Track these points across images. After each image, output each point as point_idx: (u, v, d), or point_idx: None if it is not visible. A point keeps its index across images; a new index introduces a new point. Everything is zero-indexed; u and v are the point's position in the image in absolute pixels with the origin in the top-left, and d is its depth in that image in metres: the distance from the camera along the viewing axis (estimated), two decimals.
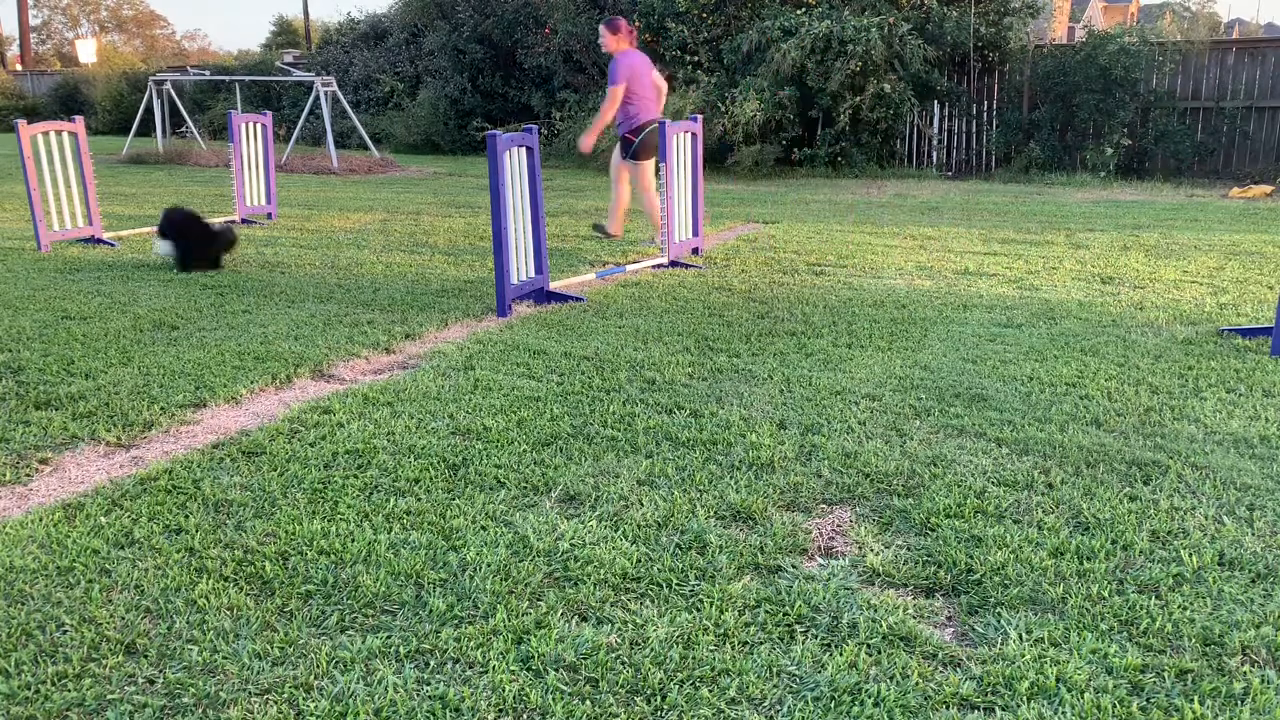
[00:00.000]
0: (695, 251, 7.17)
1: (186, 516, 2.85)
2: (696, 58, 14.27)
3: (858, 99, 12.93)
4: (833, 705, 2.01)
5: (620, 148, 7.56)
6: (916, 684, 2.07)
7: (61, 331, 4.94)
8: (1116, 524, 2.76)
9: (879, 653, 2.19)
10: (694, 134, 6.96)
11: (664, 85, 7.66)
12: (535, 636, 2.23)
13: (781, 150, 13.50)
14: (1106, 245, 7.59)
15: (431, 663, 2.16)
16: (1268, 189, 11.21)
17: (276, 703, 2.02)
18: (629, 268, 6.61)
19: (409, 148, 18.61)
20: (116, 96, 24.17)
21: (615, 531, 2.75)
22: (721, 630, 2.27)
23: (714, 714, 1.99)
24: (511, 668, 2.13)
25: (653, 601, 2.39)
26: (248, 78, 19.85)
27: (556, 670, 2.12)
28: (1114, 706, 1.99)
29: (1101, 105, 12.73)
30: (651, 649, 2.19)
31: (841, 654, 2.17)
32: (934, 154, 14.15)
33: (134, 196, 11.20)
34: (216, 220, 7.18)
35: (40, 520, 2.82)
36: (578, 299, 5.70)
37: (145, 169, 15.24)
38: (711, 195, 10.70)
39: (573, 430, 3.53)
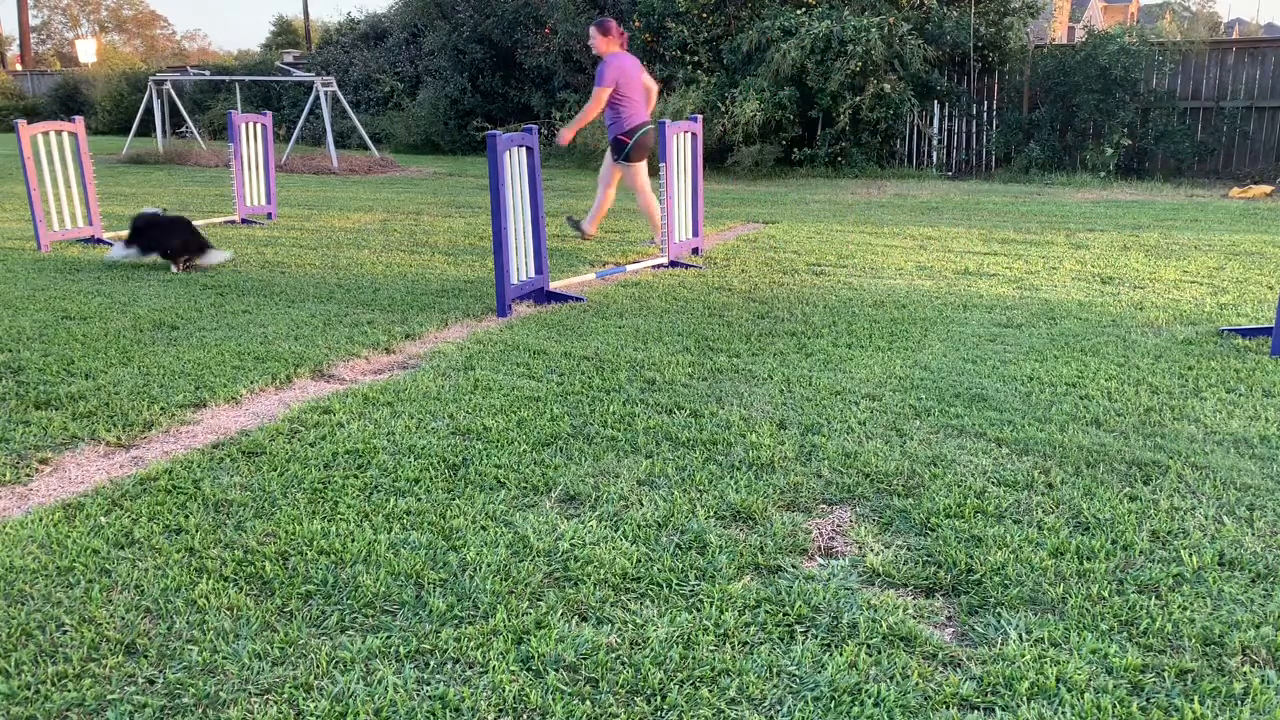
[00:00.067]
0: (695, 251, 7.17)
1: (186, 516, 2.85)
2: (696, 58, 14.26)
3: (858, 99, 12.93)
4: (833, 705, 2.01)
5: (612, 150, 7.55)
6: (916, 684, 2.07)
7: (61, 331, 4.94)
8: (1116, 524, 2.76)
9: (879, 653, 2.19)
10: (694, 134, 6.96)
11: (654, 87, 7.66)
12: (535, 636, 2.23)
13: (781, 150, 13.50)
14: (1106, 245, 7.59)
15: (431, 663, 2.16)
16: (1268, 189, 11.21)
17: (276, 703, 2.02)
18: (629, 268, 6.61)
19: (409, 148, 18.61)
20: (116, 96, 24.17)
21: (615, 531, 2.75)
22: (721, 630, 2.27)
23: (714, 714, 1.99)
24: (511, 668, 2.13)
25: (653, 601, 2.39)
26: (248, 78, 19.86)
27: (556, 670, 2.12)
28: (1114, 706, 1.99)
29: (1101, 105, 12.73)
30: (651, 649, 2.19)
31: (841, 654, 2.17)
32: (934, 154, 14.15)
33: (134, 196, 11.19)
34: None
35: (40, 520, 2.82)
36: (578, 299, 5.70)
37: (145, 169, 15.24)
38: (711, 195, 10.70)
39: (573, 430, 3.53)
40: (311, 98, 15.88)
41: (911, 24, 13.29)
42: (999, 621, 2.30)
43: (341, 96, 16.71)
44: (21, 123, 7.40)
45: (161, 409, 3.78)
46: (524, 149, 5.52)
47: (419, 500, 2.95)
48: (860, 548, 2.67)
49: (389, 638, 2.24)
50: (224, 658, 2.17)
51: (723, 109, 13.40)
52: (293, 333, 4.94)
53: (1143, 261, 6.87)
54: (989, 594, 2.41)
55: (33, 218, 7.42)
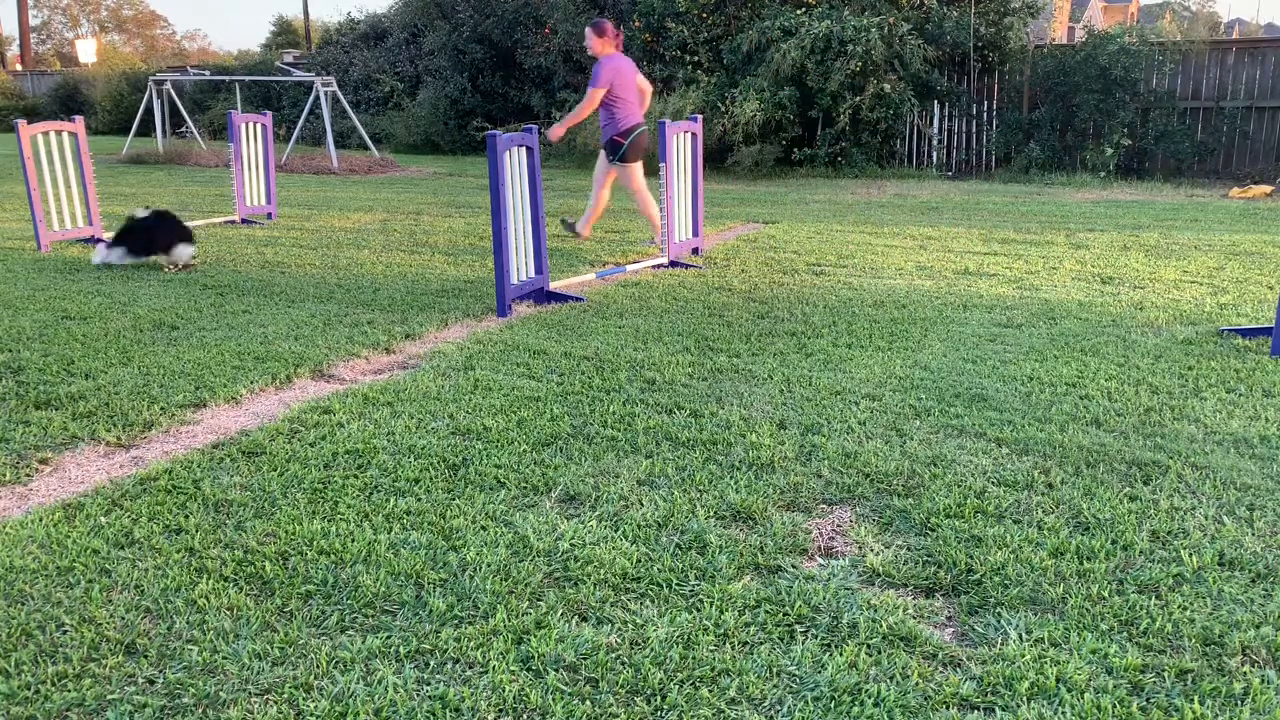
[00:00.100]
0: (695, 251, 7.17)
1: (186, 516, 2.85)
2: (696, 58, 14.27)
3: (858, 99, 12.93)
4: (833, 705, 2.01)
5: (607, 151, 7.55)
6: (916, 684, 2.07)
7: (61, 331, 4.94)
8: (1116, 524, 2.76)
9: (879, 653, 2.19)
10: (694, 134, 6.96)
11: (648, 89, 7.67)
12: (535, 636, 2.23)
13: (781, 150, 13.50)
14: (1106, 245, 7.59)
15: (431, 663, 2.16)
16: (1268, 189, 11.21)
17: (276, 703, 2.02)
18: (629, 268, 6.61)
19: (409, 148, 18.61)
20: (116, 96, 24.17)
21: (615, 531, 2.75)
22: (721, 630, 2.27)
23: (714, 714, 1.99)
24: (511, 668, 2.13)
25: (653, 601, 2.39)
26: (248, 78, 19.86)
27: (556, 670, 2.12)
28: (1114, 706, 1.99)
29: (1101, 105, 12.73)
30: (651, 649, 2.19)
31: (841, 654, 2.17)
32: (934, 154, 14.15)
33: (134, 196, 11.19)
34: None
35: (40, 520, 2.82)
36: (578, 299, 5.70)
37: (145, 169, 15.24)
38: (711, 195, 10.70)
39: (573, 430, 3.53)
40: (311, 98, 15.88)
41: (911, 24, 13.29)
42: (999, 621, 2.30)
43: (341, 96, 16.72)
44: (21, 123, 7.40)
45: (161, 409, 3.78)
46: (524, 149, 5.52)
47: (419, 500, 2.95)
48: (860, 548, 2.67)
49: (389, 638, 2.24)
50: (224, 658, 2.17)
51: (723, 109, 13.40)
52: (293, 333, 4.94)
53: (1143, 261, 6.87)
54: (989, 594, 2.41)
55: (33, 218, 7.43)
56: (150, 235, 6.74)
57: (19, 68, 37.93)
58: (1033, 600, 2.38)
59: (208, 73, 21.75)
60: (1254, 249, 7.38)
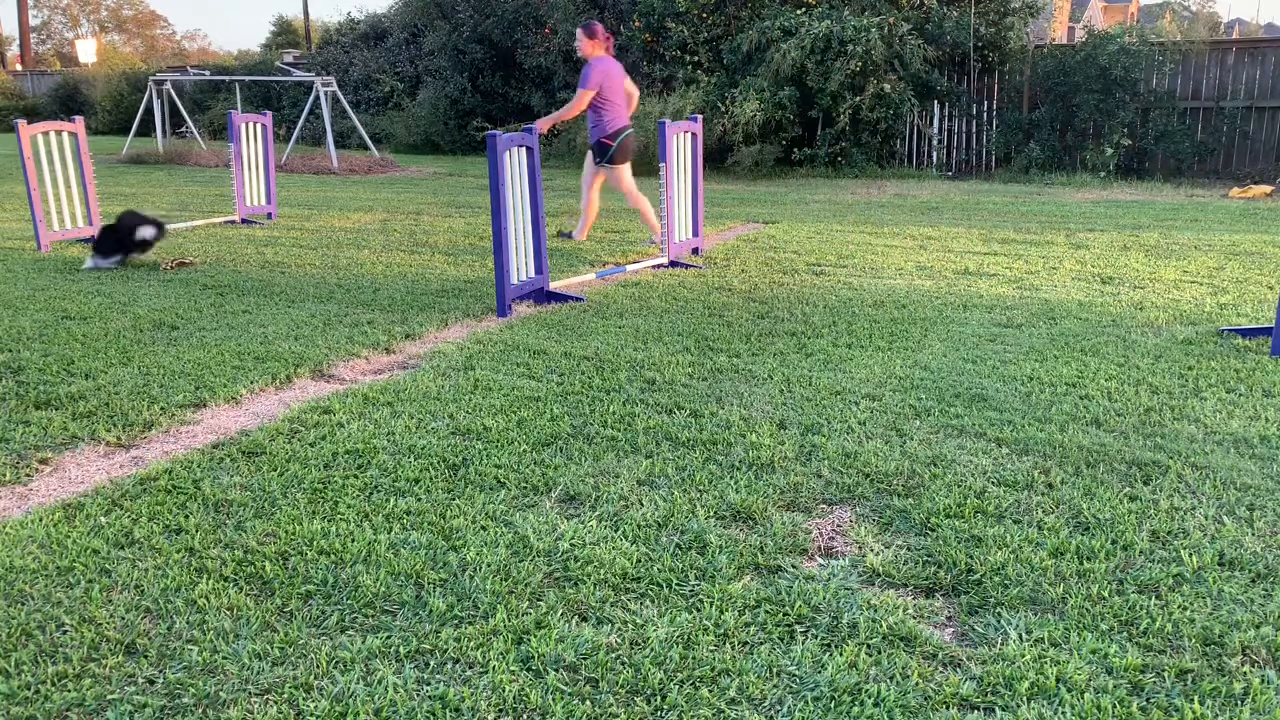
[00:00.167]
0: (695, 251, 7.17)
1: (186, 516, 2.85)
2: (696, 58, 14.27)
3: (858, 99, 12.93)
4: (833, 705, 2.01)
5: (594, 153, 7.57)
6: (916, 684, 2.07)
7: (61, 331, 4.94)
8: (1116, 524, 2.76)
9: (879, 653, 2.19)
10: (694, 134, 6.96)
11: (635, 93, 7.71)
12: (535, 636, 2.23)
13: (781, 150, 13.50)
14: (1106, 245, 7.59)
15: (431, 663, 2.16)
16: (1268, 189, 11.21)
17: (276, 703, 2.02)
18: (629, 268, 6.61)
19: (409, 148, 18.61)
20: (116, 96, 24.17)
21: (615, 531, 2.75)
22: (721, 630, 2.27)
23: (714, 714, 1.99)
24: (511, 668, 2.13)
25: (653, 601, 2.39)
26: (248, 78, 19.86)
27: (556, 670, 2.12)
28: (1114, 706, 1.99)
29: (1101, 105, 12.73)
30: (651, 649, 2.19)
31: (841, 654, 2.17)
32: (934, 154, 14.15)
33: (134, 196, 11.19)
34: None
35: (40, 520, 2.82)
36: (578, 299, 5.70)
37: (145, 169, 15.24)
38: (711, 195, 10.70)
39: (573, 430, 3.53)
40: (311, 98, 15.88)
41: (911, 24, 13.29)
42: (999, 621, 2.30)
43: (341, 96, 16.72)
44: (21, 123, 7.40)
45: (161, 409, 3.78)
46: (524, 149, 5.52)
47: (419, 500, 2.95)
48: (860, 548, 2.67)
49: (389, 638, 2.24)
50: (224, 658, 2.17)
51: (723, 109, 13.40)
52: (293, 333, 4.94)
53: (1143, 261, 6.87)
54: (989, 594, 2.41)
55: (33, 218, 7.43)
56: (114, 233, 6.80)
57: (19, 68, 37.93)
58: (1033, 600, 2.38)
59: (208, 73, 21.75)
60: (1254, 249, 7.38)
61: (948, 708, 2.00)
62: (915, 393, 3.94)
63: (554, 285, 5.90)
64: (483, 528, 2.77)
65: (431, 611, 2.34)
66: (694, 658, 2.16)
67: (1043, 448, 3.33)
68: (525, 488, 3.05)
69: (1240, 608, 2.35)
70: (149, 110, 17.06)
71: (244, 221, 9.08)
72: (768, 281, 6.24)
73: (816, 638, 2.25)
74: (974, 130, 14.14)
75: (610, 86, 7.36)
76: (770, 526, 2.77)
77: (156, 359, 4.46)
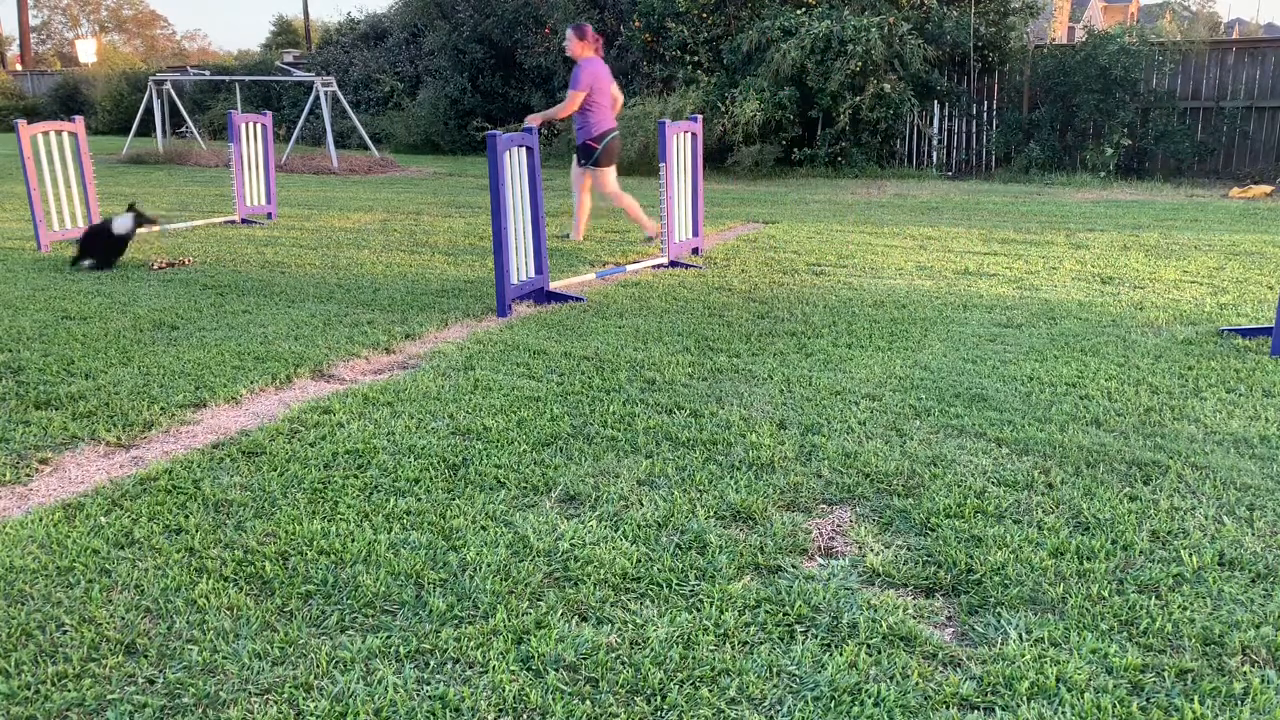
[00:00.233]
0: (695, 251, 7.17)
1: (186, 516, 2.85)
2: (696, 58, 14.27)
3: (858, 99, 12.93)
4: (833, 705, 2.01)
5: (579, 155, 7.59)
6: (916, 684, 2.07)
7: (61, 331, 4.94)
8: (1116, 524, 2.76)
9: (879, 653, 2.19)
10: (694, 134, 6.97)
11: (620, 97, 7.75)
12: (535, 636, 2.23)
13: (781, 150, 13.50)
14: (1106, 245, 7.59)
15: (431, 663, 2.16)
16: (1268, 189, 11.21)
17: (276, 703, 2.02)
18: (629, 268, 6.61)
19: (409, 148, 18.61)
20: (116, 96, 24.18)
21: (615, 531, 2.75)
22: (721, 630, 2.27)
23: (714, 714, 1.99)
24: (511, 668, 2.13)
25: (653, 601, 2.39)
26: (248, 78, 19.86)
27: (556, 670, 2.12)
28: (1114, 706, 1.99)
29: (1101, 105, 12.73)
30: (651, 649, 2.19)
31: (841, 654, 2.17)
32: (934, 154, 14.15)
33: (134, 196, 11.18)
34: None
35: (40, 520, 2.82)
36: (578, 299, 5.70)
37: (145, 169, 15.24)
38: (711, 195, 10.70)
39: (573, 430, 3.53)
40: (311, 98, 15.88)
41: (911, 24, 13.29)
42: (999, 621, 2.30)
43: (341, 96, 16.72)
44: (21, 123, 7.40)
45: (161, 409, 3.78)
46: (524, 149, 5.52)
47: (419, 500, 2.95)
48: (860, 548, 2.67)
49: (389, 638, 2.24)
50: (224, 658, 2.17)
51: (723, 109, 13.40)
52: (293, 333, 4.94)
53: (1143, 261, 6.87)
54: (989, 594, 2.41)
55: (33, 218, 7.42)
56: (92, 237, 6.81)
57: (19, 68, 37.94)
58: (1033, 600, 2.38)
59: (208, 73, 21.75)
60: (1254, 249, 7.38)
61: (948, 708, 2.00)
62: (915, 393, 3.94)
63: (554, 285, 5.90)
64: (483, 528, 2.77)
65: (431, 611, 2.34)
66: (694, 658, 2.16)
67: (1043, 448, 3.33)
68: (525, 488, 3.05)
69: (1240, 608, 2.35)
70: (149, 110, 17.06)
71: (244, 221, 9.08)
72: (768, 281, 6.24)
73: (816, 638, 2.25)
74: (974, 130, 14.14)
75: (599, 89, 7.40)
76: (770, 526, 2.77)
77: (156, 359, 4.46)
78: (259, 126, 9.23)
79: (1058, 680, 2.07)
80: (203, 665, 2.15)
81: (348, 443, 3.40)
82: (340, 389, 4.07)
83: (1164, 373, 4.20)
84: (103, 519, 2.83)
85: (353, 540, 2.69)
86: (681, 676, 2.10)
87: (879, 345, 4.67)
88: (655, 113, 13.50)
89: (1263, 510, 2.86)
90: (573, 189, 7.88)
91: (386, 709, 2.00)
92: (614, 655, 2.17)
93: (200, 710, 2.01)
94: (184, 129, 19.31)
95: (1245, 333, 4.79)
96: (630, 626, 2.28)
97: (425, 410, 3.75)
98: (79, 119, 7.92)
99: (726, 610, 2.35)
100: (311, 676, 2.10)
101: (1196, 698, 2.02)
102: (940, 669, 2.13)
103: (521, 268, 5.59)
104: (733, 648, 2.21)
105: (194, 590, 2.44)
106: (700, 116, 7.20)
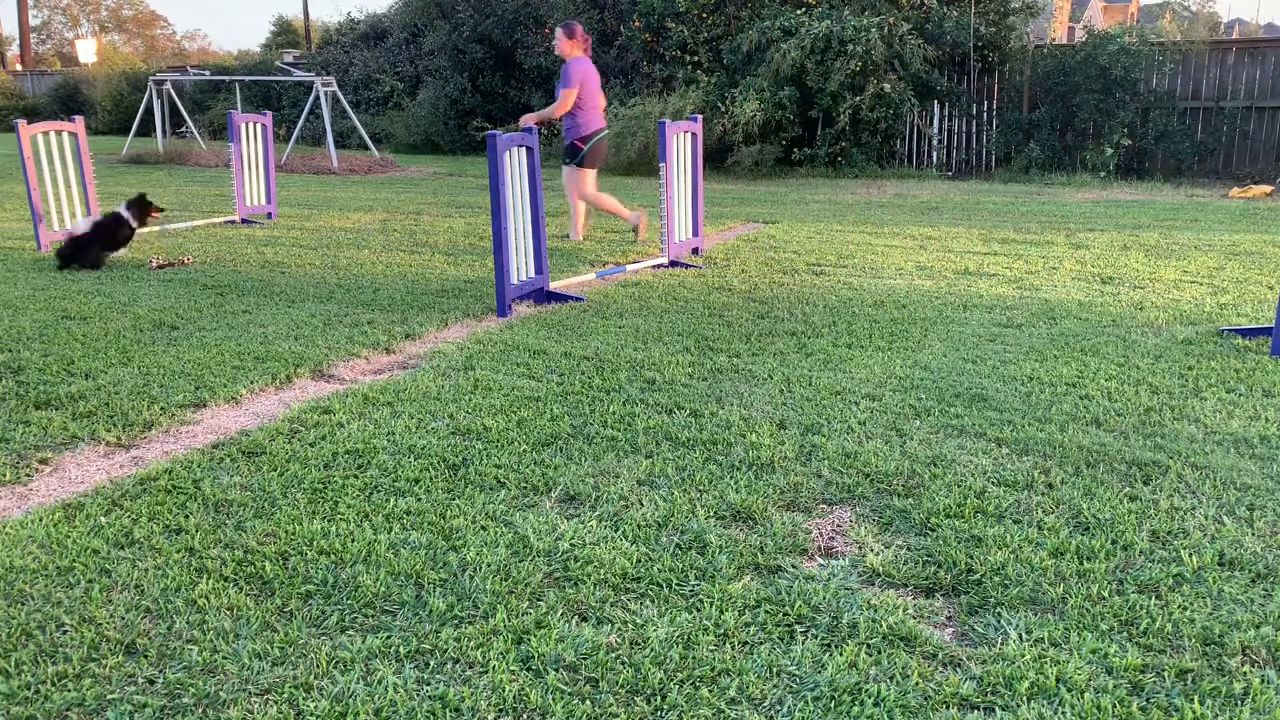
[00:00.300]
0: (695, 251, 7.17)
1: (186, 516, 2.85)
2: (696, 58, 14.27)
3: (858, 99, 12.93)
4: (833, 705, 2.01)
5: (566, 153, 7.58)
6: (916, 684, 2.07)
7: (61, 331, 4.94)
8: (1116, 524, 2.76)
9: (879, 653, 2.19)
10: (694, 134, 6.97)
11: (603, 100, 7.75)
12: (535, 636, 2.23)
13: (781, 150, 13.50)
14: (1106, 245, 7.59)
15: (431, 663, 2.16)
16: (1268, 189, 11.21)
17: (276, 703, 2.02)
18: (629, 268, 6.61)
19: (409, 148, 18.61)
20: (116, 96, 24.17)
21: (615, 531, 2.75)
22: (721, 630, 2.27)
23: (714, 714, 1.99)
24: (511, 668, 2.13)
25: (653, 601, 2.39)
26: (248, 78, 19.86)
27: (556, 670, 2.12)
28: (1114, 706, 1.99)
29: (1101, 105, 12.73)
30: (651, 649, 2.19)
31: (841, 654, 2.17)
32: (934, 154, 14.15)
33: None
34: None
35: (40, 520, 2.82)
36: (578, 299, 5.70)
37: (145, 169, 15.24)
38: (711, 195, 10.70)
39: (573, 430, 3.53)
40: (311, 98, 15.88)
41: (911, 24, 13.29)
42: (999, 621, 2.30)
43: (341, 96, 16.72)
44: (21, 123, 7.40)
45: (161, 409, 3.78)
46: (524, 149, 5.52)
47: (419, 500, 2.95)
48: (860, 548, 2.67)
49: (389, 638, 2.24)
50: (224, 658, 2.17)
51: (723, 109, 13.40)
52: (293, 333, 4.94)
53: (1143, 261, 6.87)
54: (989, 594, 2.41)
55: (33, 218, 7.43)
56: (75, 245, 6.78)
57: (19, 68, 37.93)
58: (1033, 600, 2.38)
59: (208, 73, 21.75)
60: (1254, 249, 7.38)
61: (948, 708, 2.00)
62: (915, 393, 3.94)
63: (554, 285, 5.90)
64: (483, 528, 2.77)
65: (431, 611, 2.34)
66: (694, 658, 2.16)
67: (1043, 448, 3.33)
68: (525, 488, 3.05)
69: (1240, 608, 2.35)
70: (149, 110, 17.06)
71: (244, 221, 9.08)
72: (768, 281, 6.24)
73: (816, 638, 2.25)
74: (974, 130, 14.14)
75: (589, 88, 7.39)
76: (770, 526, 2.77)
77: (156, 359, 4.46)
78: (259, 126, 9.23)
79: (1058, 680, 2.07)
80: (203, 665, 2.15)
81: (348, 443, 3.40)
82: (340, 389, 4.07)
83: (1164, 373, 4.20)
84: (103, 519, 2.83)
85: (353, 540, 2.69)
86: (681, 676, 2.10)
87: (879, 345, 4.67)
88: (655, 113, 13.50)
89: (1263, 510, 2.86)
90: (565, 188, 7.88)
91: (386, 709, 2.00)
92: (614, 655, 2.17)
93: (200, 710, 2.01)
94: (184, 129, 19.31)
95: (1245, 333, 4.79)
96: (630, 626, 2.28)
97: (425, 410, 3.75)
98: (79, 119, 7.91)
99: (726, 610, 2.35)
100: (311, 676, 2.10)
101: (1196, 698, 2.02)
102: (940, 669, 2.13)
103: (521, 268, 5.59)
104: (733, 648, 2.21)
105: (194, 590, 2.44)
106: (700, 116, 7.20)
